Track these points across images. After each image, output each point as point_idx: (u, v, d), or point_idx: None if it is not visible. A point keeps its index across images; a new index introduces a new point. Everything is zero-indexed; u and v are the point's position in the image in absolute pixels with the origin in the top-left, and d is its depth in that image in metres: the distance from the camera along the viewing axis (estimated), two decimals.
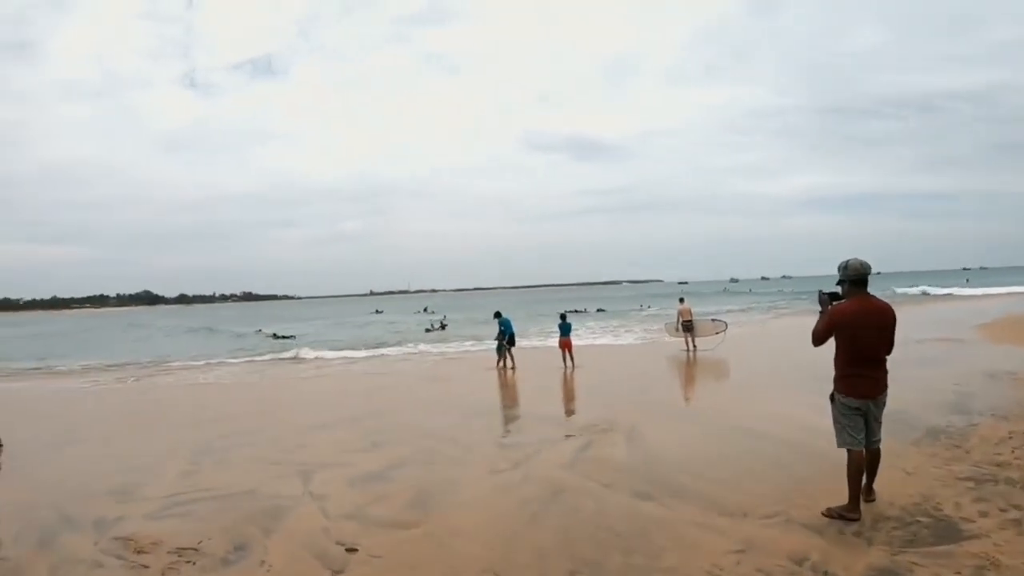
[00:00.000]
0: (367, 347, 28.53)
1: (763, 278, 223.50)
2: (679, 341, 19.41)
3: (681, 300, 20.37)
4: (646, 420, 9.26)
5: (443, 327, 39.04)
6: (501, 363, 16.63)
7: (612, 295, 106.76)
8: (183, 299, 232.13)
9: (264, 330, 44.04)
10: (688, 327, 18.97)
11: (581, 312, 50.48)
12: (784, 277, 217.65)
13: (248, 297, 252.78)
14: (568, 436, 8.56)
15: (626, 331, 31.00)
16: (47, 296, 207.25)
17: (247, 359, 25.48)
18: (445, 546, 4.93)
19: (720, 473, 6.39)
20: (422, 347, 26.99)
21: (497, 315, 17.42)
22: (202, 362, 24.95)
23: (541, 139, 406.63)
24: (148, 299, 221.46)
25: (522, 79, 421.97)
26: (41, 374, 23.74)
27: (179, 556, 5.00)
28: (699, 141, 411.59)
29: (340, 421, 10.48)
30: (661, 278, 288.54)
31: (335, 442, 8.94)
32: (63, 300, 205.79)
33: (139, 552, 5.13)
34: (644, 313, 47.29)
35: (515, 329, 17.22)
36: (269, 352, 28.17)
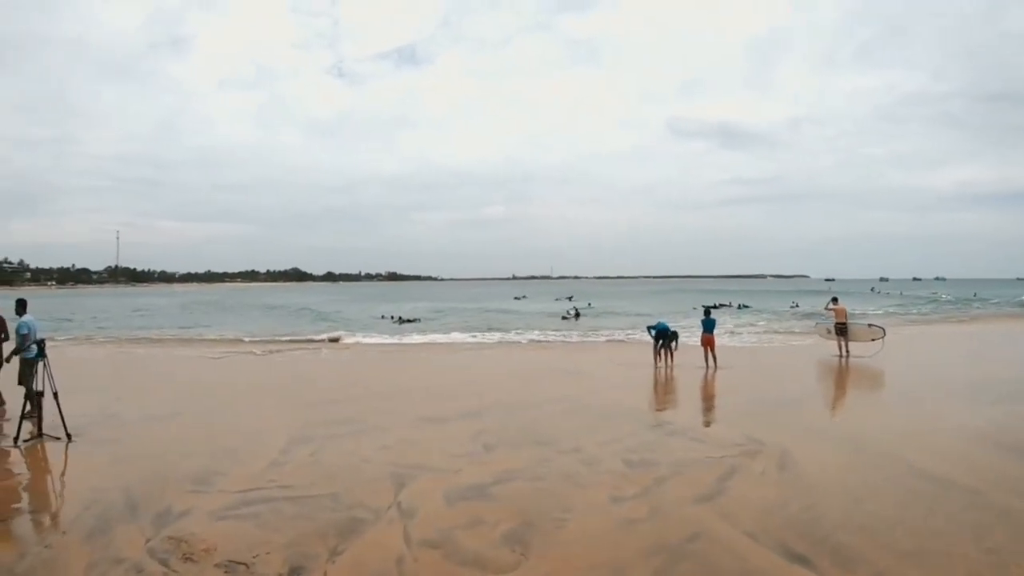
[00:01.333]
0: (500, 331, 27.53)
1: (915, 279, 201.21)
2: (830, 345, 16.94)
3: (835, 300, 17.68)
4: (800, 444, 7.43)
5: (577, 315, 37.45)
6: (659, 362, 14.90)
7: (757, 290, 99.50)
8: (330, 277, 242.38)
9: (387, 315, 40.55)
10: (842, 330, 16.48)
11: (725, 307, 46.87)
12: (937, 279, 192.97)
13: (392, 277, 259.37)
14: (709, 458, 6.95)
15: (773, 331, 27.77)
16: (201, 270, 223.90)
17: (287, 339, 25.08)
18: None
19: (897, 535, 4.65)
20: (552, 335, 25.55)
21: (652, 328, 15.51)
22: (322, 336, 25.28)
23: (686, 126, 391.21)
24: (296, 276, 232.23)
25: (666, 64, 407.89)
26: (175, 342, 24.78)
27: (225, 572, 4.11)
28: (850, 130, 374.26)
29: (456, 416, 9.46)
30: (807, 273, 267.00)
31: (444, 440, 7.91)
32: (217, 274, 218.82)
33: (186, 559, 4.33)
34: (794, 311, 42.75)
35: (667, 327, 15.29)
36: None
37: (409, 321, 36.02)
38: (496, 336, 25.52)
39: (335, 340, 24.43)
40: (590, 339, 24.05)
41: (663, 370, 14.37)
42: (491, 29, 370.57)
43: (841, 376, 13.92)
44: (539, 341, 23.58)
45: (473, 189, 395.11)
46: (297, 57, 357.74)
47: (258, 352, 19.83)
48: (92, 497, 5.60)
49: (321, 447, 7.52)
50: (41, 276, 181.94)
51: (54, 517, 5.36)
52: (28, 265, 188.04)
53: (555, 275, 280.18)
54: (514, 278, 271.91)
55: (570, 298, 63.46)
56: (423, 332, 27.75)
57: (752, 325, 30.52)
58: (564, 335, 25.58)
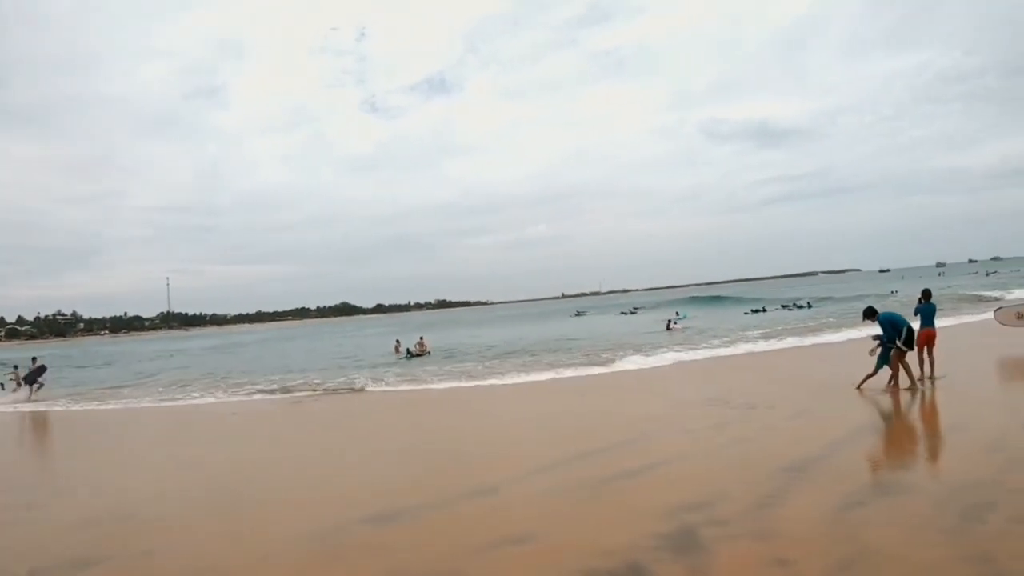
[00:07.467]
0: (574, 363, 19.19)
1: (970, 260, 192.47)
2: (1013, 334, 14.59)
3: None
4: None
5: (670, 324, 31.87)
6: (892, 381, 10.60)
7: (815, 286, 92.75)
8: (379, 308, 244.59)
9: (401, 344, 29.41)
10: None
11: (803, 308, 41.55)
12: (994, 259, 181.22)
13: (442, 304, 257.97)
14: None
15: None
16: (252, 311, 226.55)
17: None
18: None
19: None
20: (671, 354, 19.56)
21: (871, 314, 10.97)
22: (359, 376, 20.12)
23: (721, 128, 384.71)
24: (346, 310, 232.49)
25: (693, 67, 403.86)
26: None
27: None
28: (888, 115, 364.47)
29: (637, 547, 4.48)
30: (858, 267, 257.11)
31: None
32: (267, 314, 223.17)
33: None
34: (894, 299, 37.51)
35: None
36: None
37: (418, 355, 27.24)
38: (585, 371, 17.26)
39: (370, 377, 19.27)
40: (718, 352, 19.24)
41: (926, 392, 10.36)
42: (517, 49, 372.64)
43: None
44: (658, 363, 17.83)
45: (517, 210, 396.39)
46: (330, 96, 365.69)
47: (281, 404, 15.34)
48: None
49: None
50: (95, 325, 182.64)
51: None
52: (81, 316, 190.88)
53: (604, 290, 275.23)
54: (563, 296, 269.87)
55: (634, 311, 58.86)
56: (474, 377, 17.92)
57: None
58: (682, 353, 19.39)
